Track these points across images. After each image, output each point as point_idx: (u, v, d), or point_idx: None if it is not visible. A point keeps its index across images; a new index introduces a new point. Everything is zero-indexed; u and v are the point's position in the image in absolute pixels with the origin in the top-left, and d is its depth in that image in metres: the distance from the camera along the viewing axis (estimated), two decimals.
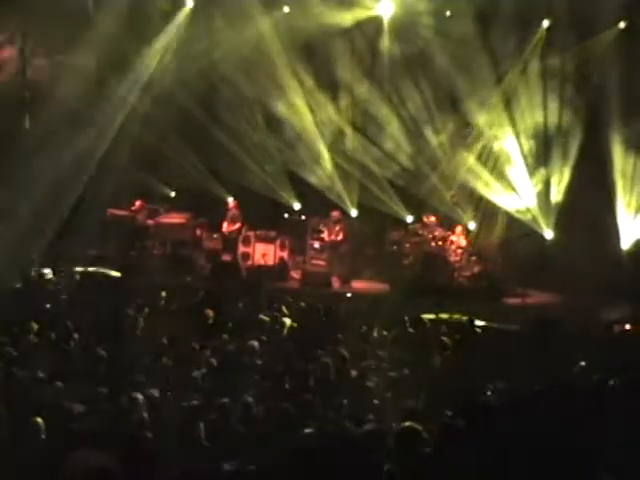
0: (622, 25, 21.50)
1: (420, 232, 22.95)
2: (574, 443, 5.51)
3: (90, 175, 22.93)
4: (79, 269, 20.39)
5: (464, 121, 23.02)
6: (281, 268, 23.12)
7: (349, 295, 21.11)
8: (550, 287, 21.24)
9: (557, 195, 22.28)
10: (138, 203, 23.92)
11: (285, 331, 15.74)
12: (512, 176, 22.75)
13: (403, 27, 22.88)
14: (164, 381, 12.38)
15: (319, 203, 23.70)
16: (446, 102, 23.05)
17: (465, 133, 23.04)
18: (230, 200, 24.07)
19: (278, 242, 23.43)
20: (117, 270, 21.06)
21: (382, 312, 16.90)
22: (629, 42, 21.12)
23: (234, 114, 24.03)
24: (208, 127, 23.78)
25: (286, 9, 23.13)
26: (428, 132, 23.35)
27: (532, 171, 22.48)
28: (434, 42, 22.39)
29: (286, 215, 24.51)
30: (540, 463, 5.54)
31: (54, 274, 19.18)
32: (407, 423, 7.55)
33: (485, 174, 22.78)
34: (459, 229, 22.63)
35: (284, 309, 17.18)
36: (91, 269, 20.54)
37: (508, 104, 22.58)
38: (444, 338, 15.15)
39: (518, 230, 22.20)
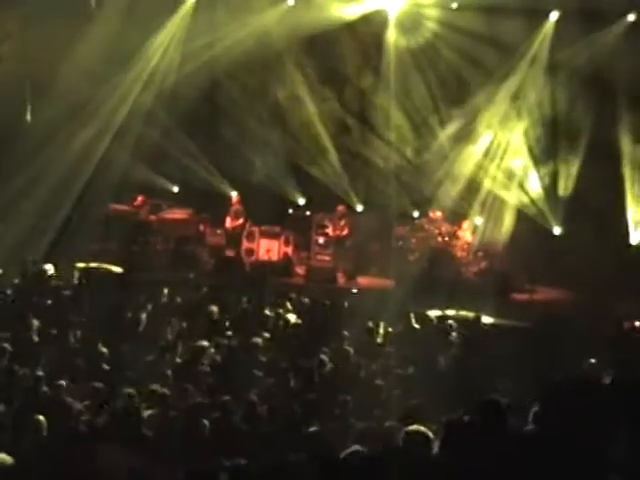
0: (631, 17, 21.43)
1: (426, 227, 22.88)
2: (584, 443, 5.46)
3: (92, 170, 22.90)
4: (81, 265, 20.37)
5: (471, 115, 22.95)
6: (285, 264, 23.08)
7: (354, 291, 21.09)
8: (558, 283, 21.18)
9: (565, 190, 22.24)
10: (140, 198, 23.85)
11: (289, 328, 15.73)
12: (520, 170, 22.72)
13: (409, 20, 22.82)
14: (167, 378, 12.38)
15: (324, 198, 23.69)
16: (453, 96, 23.02)
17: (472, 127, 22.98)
18: (234, 195, 24.00)
19: (282, 237, 23.38)
20: (119, 266, 21.03)
21: (388, 308, 16.89)
22: (638, 34, 21.03)
23: (238, 108, 24.04)
24: (211, 121, 23.80)
25: (290, 1, 23.05)
26: (435, 126, 23.32)
27: (540, 165, 22.43)
28: (440, 35, 22.37)
29: (290, 210, 24.51)
30: (550, 463, 5.49)
31: (55, 270, 19.14)
32: (413, 426, 7.50)
33: (492, 168, 22.74)
34: (466, 224, 22.57)
35: (288, 305, 17.19)
36: (93, 265, 20.51)
37: (516, 98, 22.51)
38: (451, 335, 15.14)
39: (526, 225, 22.13)
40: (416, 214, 23.49)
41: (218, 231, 24.02)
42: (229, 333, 14.99)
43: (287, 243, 23.38)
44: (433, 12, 22.50)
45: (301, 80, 23.56)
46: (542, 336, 14.88)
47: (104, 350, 13.41)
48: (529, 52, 22.18)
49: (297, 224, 24.06)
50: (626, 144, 21.45)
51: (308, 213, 24.25)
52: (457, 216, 22.87)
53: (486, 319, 17.19)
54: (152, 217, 23.84)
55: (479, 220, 22.74)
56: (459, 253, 22.36)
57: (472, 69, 22.36)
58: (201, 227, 24.19)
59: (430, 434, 7.33)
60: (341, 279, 22.41)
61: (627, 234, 21.63)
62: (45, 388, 11.41)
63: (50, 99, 22.73)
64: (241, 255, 23.31)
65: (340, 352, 13.88)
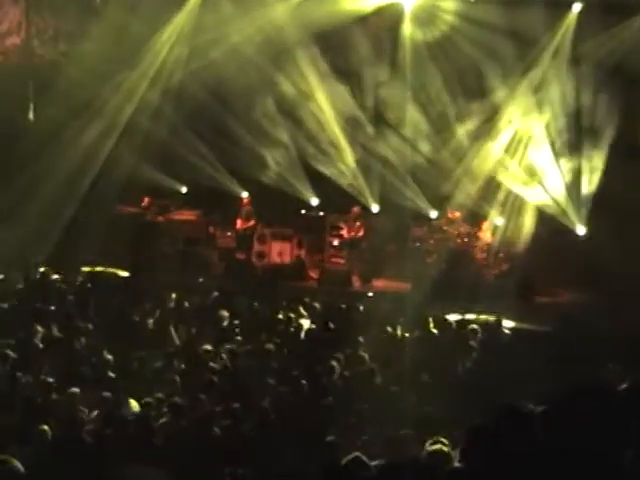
0: None
1: (445, 228, 22.86)
2: (606, 449, 5.48)
3: (97, 170, 22.97)
4: (86, 269, 20.43)
5: (490, 110, 22.91)
6: (298, 267, 23.09)
7: (370, 295, 21.08)
8: (582, 285, 21.10)
9: (588, 187, 22.17)
10: (147, 199, 23.92)
11: (302, 333, 15.76)
12: (542, 168, 22.65)
13: (425, 12, 22.81)
14: (176, 386, 12.42)
15: (338, 198, 23.65)
16: (472, 91, 22.96)
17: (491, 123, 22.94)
18: (244, 195, 24.04)
19: (295, 240, 23.39)
20: (126, 269, 21.09)
21: (405, 313, 16.90)
22: None
23: (248, 105, 24.05)
24: (220, 119, 23.77)
25: None
26: (453, 122, 23.28)
27: (563, 162, 22.36)
28: (458, 28, 22.33)
29: (303, 211, 24.47)
30: (573, 470, 5.51)
31: (60, 274, 19.21)
32: (435, 446, 7.51)
33: (513, 166, 22.70)
34: (486, 225, 22.53)
35: (301, 310, 17.20)
36: (98, 269, 20.57)
37: (537, 92, 22.46)
38: (470, 340, 15.14)
39: (548, 225, 22.07)
40: (434, 214, 23.43)
41: (228, 233, 24.01)
42: (240, 339, 15.02)
43: (300, 245, 23.38)
44: (450, 4, 22.44)
45: (313, 76, 23.52)
46: (565, 340, 14.86)
47: (110, 357, 13.47)
48: (551, 44, 22.11)
49: (310, 225, 24.03)
50: None
51: (321, 214, 24.22)
52: (476, 216, 22.83)
53: (507, 323, 17.17)
54: (159, 218, 23.89)
55: (499, 220, 22.68)
56: (479, 255, 22.34)
57: (491, 62, 22.28)
58: (210, 229, 24.20)
59: (450, 452, 7.33)
60: (356, 282, 22.40)
61: None
62: (49, 396, 11.46)
63: (53, 97, 22.81)
64: (252, 258, 23.33)
65: (355, 358, 13.90)
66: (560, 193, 22.38)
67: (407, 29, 22.95)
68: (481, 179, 22.80)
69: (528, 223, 22.35)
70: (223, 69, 23.28)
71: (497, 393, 11.49)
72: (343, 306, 17.34)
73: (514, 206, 22.56)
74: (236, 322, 16.17)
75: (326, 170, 23.89)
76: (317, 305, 17.70)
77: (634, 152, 21.11)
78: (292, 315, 16.47)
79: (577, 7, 21.77)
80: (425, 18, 22.83)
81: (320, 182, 24.04)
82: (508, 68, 22.25)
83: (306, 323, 16.26)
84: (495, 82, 22.56)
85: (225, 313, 16.11)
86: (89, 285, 18.91)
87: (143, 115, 23.44)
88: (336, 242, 23.35)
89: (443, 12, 22.63)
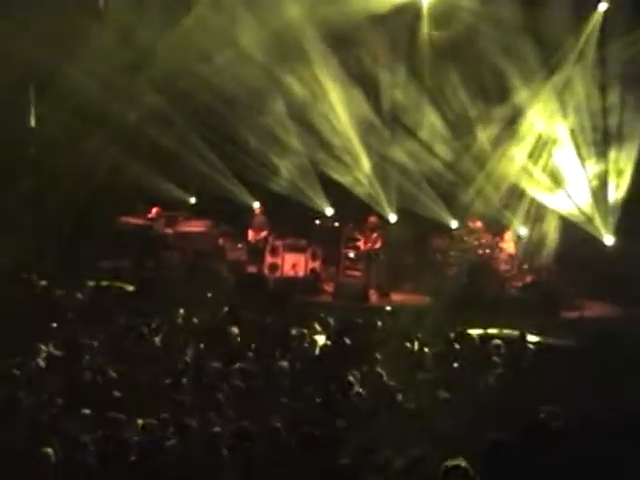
0: None
1: (466, 239, 22.89)
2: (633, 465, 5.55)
3: (101, 180, 23.04)
4: (90, 283, 20.48)
5: (513, 114, 22.92)
6: (312, 280, 23.12)
7: (388, 309, 21.07)
8: (611, 298, 21.08)
9: (616, 194, 22.15)
10: (155, 210, 23.96)
11: (317, 350, 15.78)
12: (567, 174, 22.64)
13: (444, 11, 22.85)
14: (184, 406, 12.46)
15: (354, 208, 23.69)
16: (493, 94, 22.99)
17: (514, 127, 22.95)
18: (256, 206, 24.09)
19: (309, 252, 23.42)
20: (132, 284, 21.14)
21: (424, 328, 16.90)
22: None
23: (258, 110, 24.09)
24: (230, 125, 23.83)
25: None
26: (473, 126, 23.29)
27: (589, 168, 22.34)
28: (478, 27, 22.35)
29: (317, 221, 24.49)
30: None
31: (63, 289, 19.26)
32: (453, 462, 7.56)
33: (537, 173, 22.70)
34: (509, 235, 22.55)
35: (316, 326, 17.20)
36: (103, 283, 20.60)
37: (562, 94, 22.48)
38: (493, 356, 15.14)
39: (574, 235, 22.04)
40: (454, 224, 23.46)
41: (239, 245, 24.10)
42: (251, 356, 15.05)
43: (314, 258, 23.41)
44: (469, 2, 22.50)
45: (326, 79, 23.56)
46: (593, 356, 14.84)
47: (115, 375, 13.52)
48: (576, 45, 22.15)
49: (325, 236, 24.05)
50: None
51: (336, 224, 24.25)
52: (499, 226, 22.85)
53: (532, 338, 17.15)
54: (167, 230, 23.94)
55: (523, 230, 22.70)
56: (501, 266, 22.35)
57: (513, 64, 22.32)
58: (220, 241, 24.24)
59: (470, 469, 7.38)
60: (373, 296, 22.40)
61: None
62: (52, 417, 11.51)
63: (55, 103, 22.89)
64: (264, 271, 23.37)
65: (372, 376, 13.92)
66: (586, 200, 22.38)
67: (424, 28, 23.00)
68: (503, 186, 22.83)
69: (553, 232, 22.35)
70: (232, 73, 23.35)
71: (521, 411, 11.52)
72: (359, 321, 17.34)
73: (538, 214, 22.58)
74: (247, 339, 16.19)
75: (341, 178, 23.92)
76: (332, 320, 17.69)
77: None
78: (306, 331, 16.48)
79: (603, 6, 21.84)
80: (444, 17, 22.88)
81: (335, 191, 24.06)
82: (531, 69, 22.30)
83: (321, 339, 16.27)
84: (517, 84, 22.61)
85: (235, 329, 16.13)
86: (93, 301, 18.96)
87: (149, 122, 23.49)
88: (352, 254, 23.37)
89: (462, 10, 22.64)
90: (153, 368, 14.29)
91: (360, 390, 13.11)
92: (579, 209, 22.42)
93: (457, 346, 15.89)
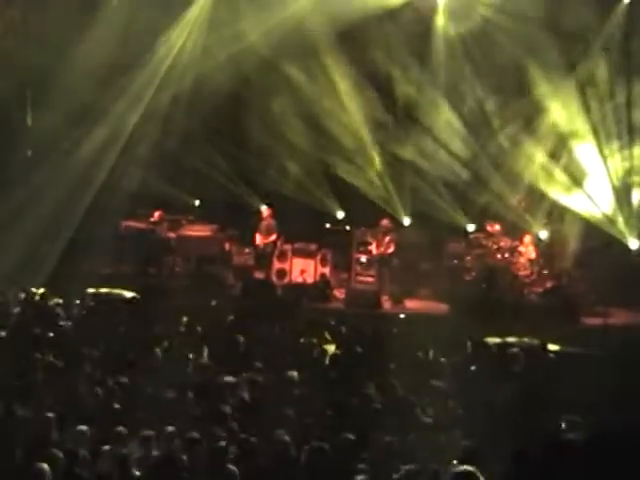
0: None
1: (483, 243, 22.85)
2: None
3: (102, 182, 23.08)
4: (90, 290, 20.50)
5: (533, 111, 22.88)
6: (322, 286, 23.09)
7: (402, 317, 21.07)
8: (635, 305, 21.04)
9: None
10: (158, 214, 23.94)
11: (327, 359, 15.76)
12: (589, 174, 22.59)
13: (460, 4, 22.85)
14: (188, 418, 12.45)
15: (365, 210, 23.69)
16: (511, 90, 22.97)
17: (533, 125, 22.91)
18: (264, 209, 24.08)
19: (319, 256, 23.46)
20: (133, 291, 21.16)
21: (441, 336, 16.87)
22: None
23: (266, 110, 24.09)
24: (236, 125, 23.85)
25: None
26: (491, 125, 23.26)
27: (612, 168, 22.27)
28: (495, 21, 22.33)
29: (328, 225, 24.51)
30: None
31: (61, 297, 19.27)
32: (463, 467, 7.54)
33: (558, 173, 22.65)
34: (528, 238, 22.49)
35: (326, 334, 17.19)
36: (104, 290, 20.63)
37: (584, 90, 22.42)
38: (512, 365, 15.11)
39: (597, 238, 21.99)
40: (471, 228, 23.44)
41: (246, 250, 24.12)
42: (259, 366, 15.03)
43: (324, 263, 23.45)
44: None
45: (338, 76, 23.56)
46: (617, 365, 14.80)
47: (116, 387, 13.51)
48: (599, 38, 22.10)
49: (335, 241, 24.10)
50: None
51: (348, 228, 24.28)
52: (518, 229, 22.80)
53: (553, 347, 17.12)
54: (171, 234, 23.97)
55: (543, 233, 22.67)
56: (521, 271, 22.31)
57: (533, 58, 22.28)
58: (226, 245, 24.28)
59: (480, 476, 7.35)
60: (386, 303, 22.40)
61: None
62: (50, 432, 11.50)
63: (53, 103, 22.93)
64: (272, 277, 23.38)
65: (386, 387, 13.90)
66: (609, 202, 22.31)
67: (440, 22, 23.00)
68: (522, 187, 22.79)
69: (575, 236, 22.28)
70: (238, 71, 23.35)
71: (540, 422, 11.50)
72: (372, 329, 17.34)
73: (559, 217, 22.53)
74: (254, 348, 16.19)
75: (352, 179, 23.90)
76: (343, 329, 17.70)
77: None
78: (316, 340, 16.49)
79: None
80: (459, 10, 22.88)
81: (346, 193, 24.07)
82: (552, 64, 22.22)
83: (331, 348, 16.25)
84: (537, 80, 22.52)
85: (242, 338, 16.13)
86: (93, 309, 18.97)
87: (151, 122, 23.51)
88: (364, 259, 23.40)
89: (479, 3, 22.64)
90: (155, 379, 14.28)
91: (374, 402, 13.10)
92: (602, 211, 22.36)
93: (474, 355, 15.88)
